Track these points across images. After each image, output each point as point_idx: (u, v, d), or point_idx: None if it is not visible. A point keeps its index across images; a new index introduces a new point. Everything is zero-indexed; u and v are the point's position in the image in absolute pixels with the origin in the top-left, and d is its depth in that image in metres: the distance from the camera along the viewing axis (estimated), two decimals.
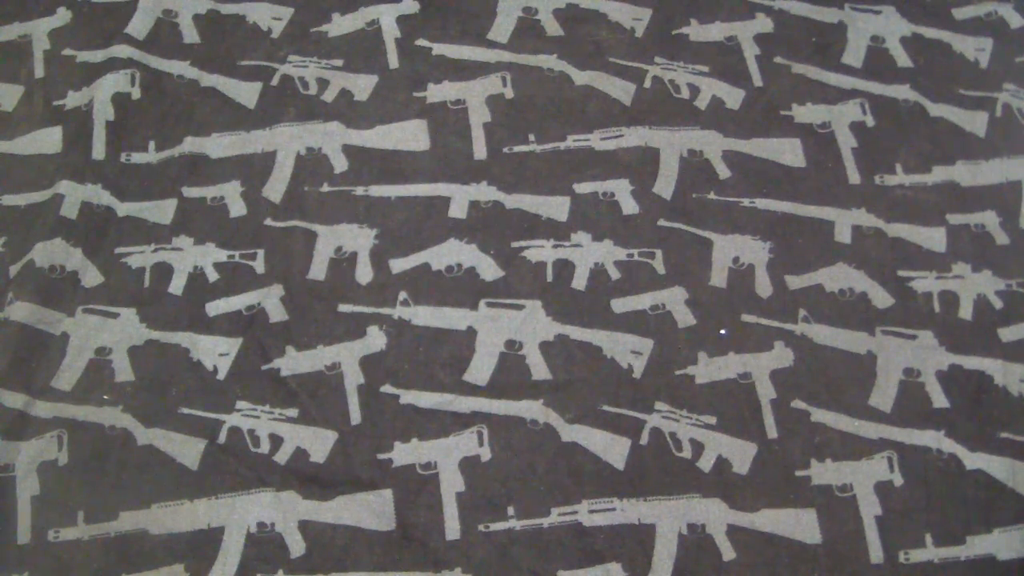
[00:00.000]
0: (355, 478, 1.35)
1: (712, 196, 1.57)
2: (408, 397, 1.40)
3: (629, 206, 1.56)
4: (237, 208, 1.56)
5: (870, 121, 1.65)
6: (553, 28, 1.74)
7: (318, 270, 1.50)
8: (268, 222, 1.54)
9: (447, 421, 1.39)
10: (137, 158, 1.61)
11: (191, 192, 1.57)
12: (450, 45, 1.71)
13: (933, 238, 1.55)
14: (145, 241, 1.53)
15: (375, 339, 1.44)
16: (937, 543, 1.32)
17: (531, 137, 1.62)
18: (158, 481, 1.34)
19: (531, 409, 1.39)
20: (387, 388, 1.40)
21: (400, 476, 1.35)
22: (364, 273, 1.50)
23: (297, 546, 1.30)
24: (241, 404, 1.40)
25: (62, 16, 1.75)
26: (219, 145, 1.61)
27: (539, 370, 1.42)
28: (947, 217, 1.57)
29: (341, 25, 1.74)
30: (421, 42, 1.72)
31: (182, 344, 1.44)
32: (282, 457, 1.36)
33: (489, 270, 1.50)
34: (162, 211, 1.56)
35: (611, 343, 1.44)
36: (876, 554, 1.31)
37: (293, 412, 1.39)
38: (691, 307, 1.48)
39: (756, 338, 1.45)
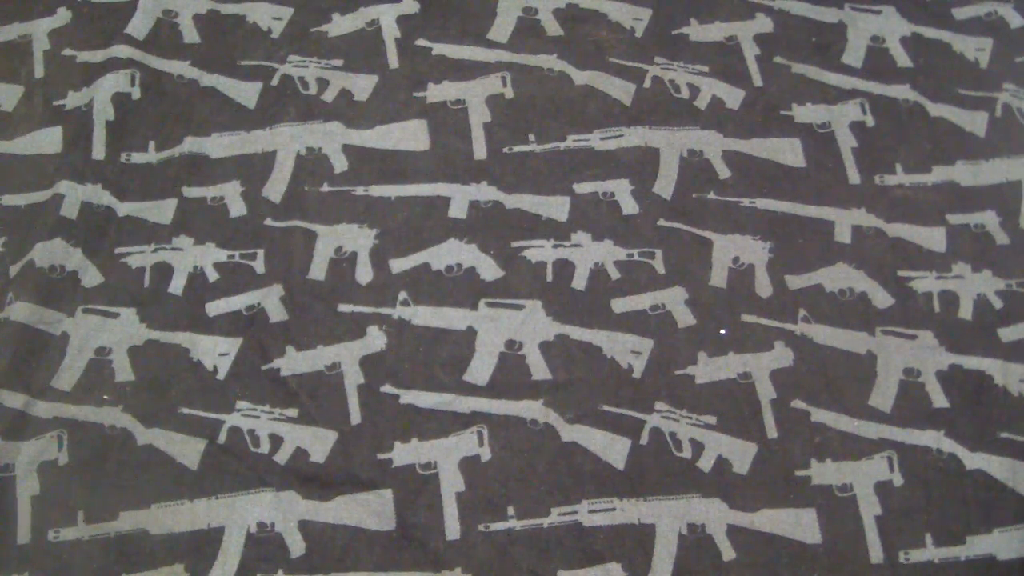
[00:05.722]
0: (355, 478, 1.35)
1: (712, 196, 1.57)
2: (408, 397, 1.40)
3: (629, 206, 1.56)
4: (237, 208, 1.56)
5: (870, 121, 1.65)
6: (553, 28, 1.74)
7: (318, 270, 1.50)
8: (268, 222, 1.54)
9: (447, 421, 1.39)
10: (137, 158, 1.61)
11: (191, 192, 1.57)
12: (450, 45, 1.71)
13: (933, 238, 1.55)
14: (145, 241, 1.53)
15: (375, 339, 1.44)
16: (937, 543, 1.32)
17: (531, 137, 1.62)
18: (158, 481, 1.34)
19: (531, 409, 1.39)
20: (387, 388, 1.40)
21: (400, 476, 1.35)
22: (364, 273, 1.50)
23: (297, 546, 1.30)
24: (241, 404, 1.40)
25: (62, 16, 1.75)
26: (219, 145, 1.61)
27: (539, 370, 1.42)
28: (947, 217, 1.57)
29: (341, 25, 1.74)
30: (421, 42, 1.72)
31: (182, 344, 1.44)
32: (282, 457, 1.36)
33: (489, 270, 1.50)
34: (162, 211, 1.56)
35: (611, 343, 1.44)
36: (876, 554, 1.31)
37: (293, 412, 1.39)
38: (691, 307, 1.48)
39: (756, 338, 1.45)
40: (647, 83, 1.68)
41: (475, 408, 1.39)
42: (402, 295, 1.48)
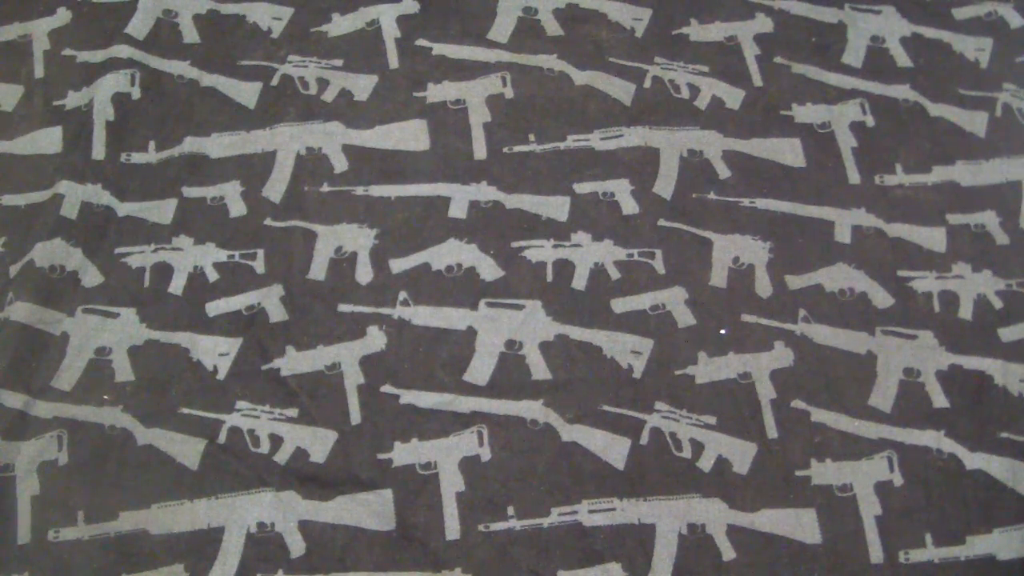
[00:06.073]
0: (355, 478, 1.35)
1: (712, 196, 1.57)
2: (408, 397, 1.40)
3: (629, 206, 1.56)
4: (237, 208, 1.56)
5: (870, 121, 1.65)
6: (553, 28, 1.74)
7: (318, 270, 1.50)
8: (268, 222, 1.54)
9: (447, 421, 1.39)
10: (137, 158, 1.61)
11: (191, 192, 1.57)
12: (450, 45, 1.71)
13: (933, 238, 1.55)
14: (145, 241, 1.53)
15: (375, 339, 1.44)
16: (937, 543, 1.32)
17: (531, 137, 1.62)
18: (158, 481, 1.34)
19: (531, 409, 1.39)
20: (387, 388, 1.40)
21: (400, 476, 1.35)
22: (364, 273, 1.50)
23: (297, 546, 1.30)
24: (241, 404, 1.40)
25: (62, 16, 1.75)
26: (219, 145, 1.61)
27: (539, 370, 1.42)
28: (947, 217, 1.57)
29: (341, 25, 1.74)
30: (421, 42, 1.72)
31: (182, 344, 1.44)
32: (282, 457, 1.36)
33: (489, 270, 1.50)
34: (162, 211, 1.55)
35: (611, 343, 1.44)
36: (876, 554, 1.31)
37: (293, 412, 1.39)
38: (691, 307, 1.48)
39: (756, 338, 1.45)
40: (647, 83, 1.68)
41: (475, 408, 1.39)
42: (402, 295, 1.48)
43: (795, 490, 1.35)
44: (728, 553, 1.30)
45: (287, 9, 1.75)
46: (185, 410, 1.39)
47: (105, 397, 1.40)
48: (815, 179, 1.60)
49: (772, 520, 1.33)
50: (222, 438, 1.37)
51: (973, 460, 1.37)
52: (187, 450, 1.36)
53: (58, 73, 1.70)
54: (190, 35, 1.74)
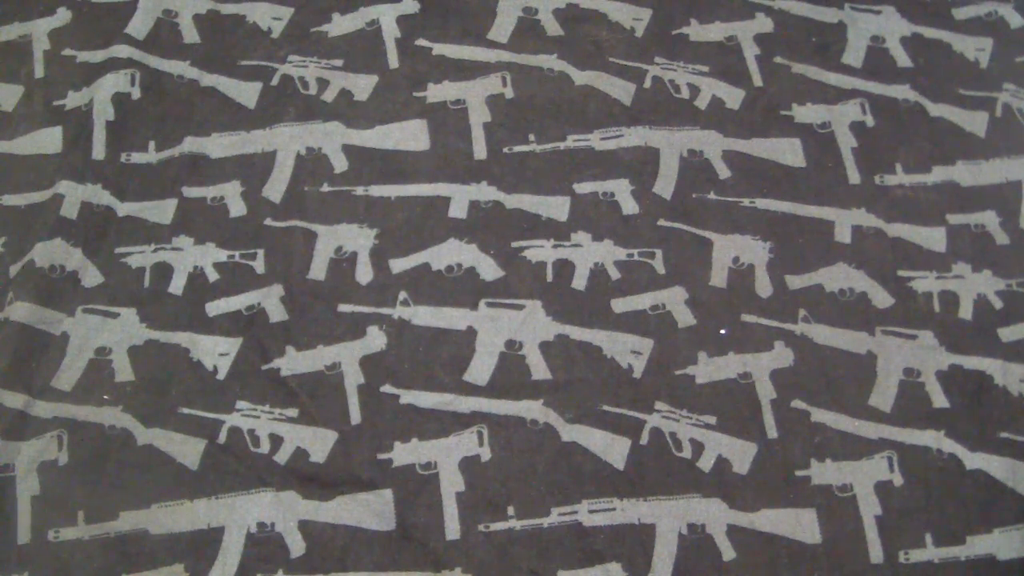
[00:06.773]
0: (355, 478, 1.35)
1: (712, 196, 1.57)
2: (408, 397, 1.40)
3: (629, 206, 1.56)
4: (237, 208, 1.56)
5: (870, 121, 1.65)
6: (553, 28, 1.74)
7: (318, 270, 1.50)
8: (268, 222, 1.54)
9: (447, 421, 1.39)
10: (137, 158, 1.61)
11: (191, 192, 1.57)
12: (450, 45, 1.72)
13: (933, 238, 1.55)
14: (145, 241, 1.53)
15: (375, 339, 1.44)
16: (937, 543, 1.32)
17: (531, 137, 1.62)
18: (158, 481, 1.34)
19: (531, 409, 1.39)
20: (387, 388, 1.40)
21: (400, 476, 1.35)
22: (364, 273, 1.50)
23: (297, 546, 1.30)
24: (241, 404, 1.40)
25: (62, 16, 1.75)
26: (219, 145, 1.61)
27: (539, 370, 1.42)
28: (947, 217, 1.57)
29: (341, 25, 1.74)
30: (421, 42, 1.72)
31: (182, 344, 1.44)
32: (282, 457, 1.36)
33: (489, 270, 1.50)
34: (162, 211, 1.56)
35: (611, 343, 1.44)
36: (876, 554, 1.31)
37: (293, 412, 1.39)
38: (691, 307, 1.48)
39: (756, 338, 1.45)
40: (647, 83, 1.68)
41: (475, 408, 1.39)
42: (402, 295, 1.48)
43: (795, 490, 1.35)
44: (728, 553, 1.30)
45: (287, 9, 1.76)
46: (185, 410, 1.39)
47: (105, 397, 1.40)
48: (815, 179, 1.60)
49: (772, 520, 1.33)
50: (222, 438, 1.37)
51: (973, 460, 1.37)
52: (187, 450, 1.36)
53: (58, 73, 1.70)
54: (190, 35, 1.74)
